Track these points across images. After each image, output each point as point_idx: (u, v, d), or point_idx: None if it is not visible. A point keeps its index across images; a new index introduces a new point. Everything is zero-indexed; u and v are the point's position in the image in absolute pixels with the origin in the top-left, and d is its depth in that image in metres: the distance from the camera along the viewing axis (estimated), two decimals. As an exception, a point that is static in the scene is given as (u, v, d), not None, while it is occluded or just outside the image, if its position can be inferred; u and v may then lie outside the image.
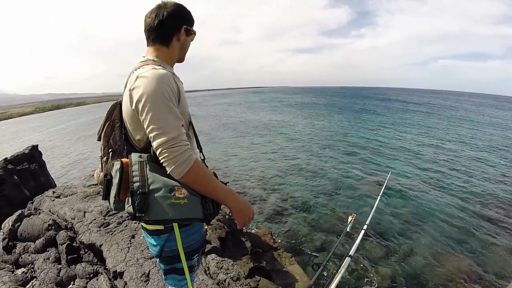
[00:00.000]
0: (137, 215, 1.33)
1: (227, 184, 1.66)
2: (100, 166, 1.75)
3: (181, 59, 1.79)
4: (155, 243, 1.64)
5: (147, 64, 1.54)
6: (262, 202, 12.05)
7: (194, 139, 1.82)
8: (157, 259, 1.75)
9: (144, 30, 1.67)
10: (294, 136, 26.68)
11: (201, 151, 1.83)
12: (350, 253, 3.03)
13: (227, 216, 6.98)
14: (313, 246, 8.45)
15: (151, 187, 1.37)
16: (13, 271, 4.78)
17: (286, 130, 30.70)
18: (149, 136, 1.41)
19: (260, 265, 5.59)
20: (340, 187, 13.29)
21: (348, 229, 3.74)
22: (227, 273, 4.04)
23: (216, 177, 1.65)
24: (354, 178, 14.50)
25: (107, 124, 1.70)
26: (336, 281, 2.61)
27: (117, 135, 1.67)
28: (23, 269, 4.86)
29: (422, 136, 25.71)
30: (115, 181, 1.45)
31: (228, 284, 3.86)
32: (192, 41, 1.78)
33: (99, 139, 1.73)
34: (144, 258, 4.03)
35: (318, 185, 13.70)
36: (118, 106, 1.70)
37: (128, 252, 4.24)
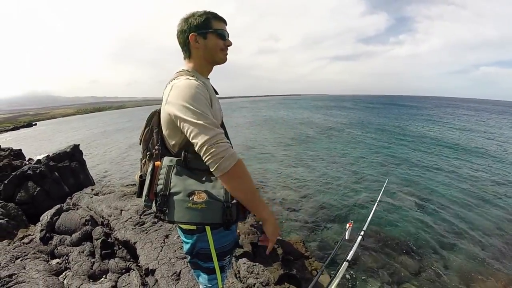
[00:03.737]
0: (157, 215, 1.46)
1: None
2: (140, 168, 1.82)
3: (216, 61, 1.76)
4: (187, 241, 1.72)
5: (181, 75, 1.61)
6: (296, 209, 11.94)
7: None
8: (188, 257, 1.79)
9: None
10: (331, 144, 26.40)
11: None
12: (347, 258, 3.03)
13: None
14: (343, 258, 8.30)
15: (171, 190, 1.46)
16: (48, 261, 4.89)
17: (321, 137, 30.48)
18: (190, 138, 1.44)
19: (290, 273, 5.53)
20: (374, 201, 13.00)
21: (346, 237, 3.70)
22: (257, 278, 4.02)
23: None
24: (391, 192, 14.20)
25: (146, 129, 1.78)
26: (334, 285, 2.63)
27: (155, 140, 1.75)
28: (58, 260, 4.98)
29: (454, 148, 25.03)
30: (147, 181, 1.55)
31: (257, 288, 3.85)
32: (219, 37, 1.69)
33: (140, 143, 1.81)
34: (177, 257, 4.06)
35: (354, 196, 13.45)
36: (157, 113, 1.78)
37: (161, 251, 4.29)
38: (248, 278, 4.02)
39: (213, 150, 1.37)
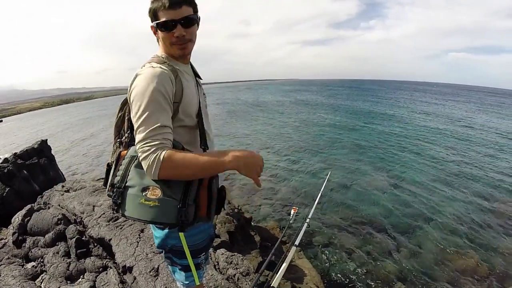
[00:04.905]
0: (112, 207, 1.41)
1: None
2: (111, 155, 1.72)
3: (176, 55, 1.61)
4: (157, 236, 1.69)
5: (149, 62, 1.51)
6: (270, 195, 12.09)
7: (199, 135, 1.68)
8: (163, 253, 1.76)
9: None
10: (299, 131, 26.77)
11: (204, 150, 1.66)
12: (295, 243, 3.22)
13: (236, 210, 6.98)
14: (320, 241, 8.45)
15: (127, 183, 1.40)
16: (23, 265, 4.80)
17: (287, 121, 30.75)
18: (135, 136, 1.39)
19: (269, 260, 5.58)
20: (350, 184, 13.20)
21: (291, 221, 3.99)
22: (237, 268, 4.03)
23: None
24: (365, 175, 14.44)
25: (119, 115, 1.69)
26: (283, 268, 2.77)
27: (125, 127, 1.66)
28: (33, 263, 4.88)
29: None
30: (111, 171, 1.51)
31: (238, 279, 3.86)
32: (163, 30, 1.52)
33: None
34: (153, 252, 4.03)
35: (322, 177, 13.53)
36: None
37: (137, 246, 4.24)
38: (227, 269, 4.03)
39: (140, 155, 1.32)
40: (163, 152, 1.29)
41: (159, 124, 1.34)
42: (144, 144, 1.31)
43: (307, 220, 3.66)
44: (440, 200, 11.12)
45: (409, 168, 15.02)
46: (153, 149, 1.29)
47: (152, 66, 1.45)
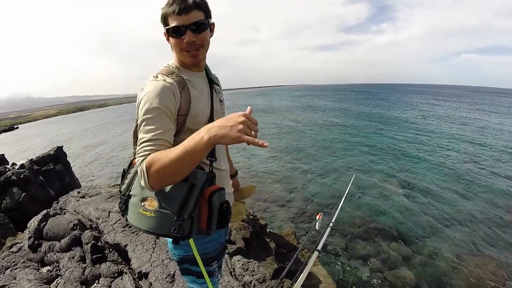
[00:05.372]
0: (120, 213, 1.51)
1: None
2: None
3: (186, 63, 1.59)
4: (170, 241, 1.72)
5: (157, 74, 1.50)
6: (284, 201, 12.05)
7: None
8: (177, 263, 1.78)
9: None
10: (312, 136, 26.69)
11: (211, 163, 1.56)
12: (318, 248, 3.16)
13: (251, 216, 6.95)
14: (336, 247, 8.38)
15: (130, 192, 1.45)
16: (38, 269, 4.82)
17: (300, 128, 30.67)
18: None
19: (285, 266, 5.53)
20: (366, 189, 13.12)
21: (316, 227, 3.89)
22: (253, 275, 3.99)
23: None
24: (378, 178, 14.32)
25: (137, 122, 1.66)
26: (304, 274, 2.74)
27: None
28: (48, 268, 4.90)
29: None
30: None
31: (254, 286, 3.82)
32: (174, 36, 1.49)
33: None
34: (169, 259, 4.02)
35: (341, 187, 13.49)
36: None
37: (153, 252, 4.23)
38: (244, 275, 4.00)
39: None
40: (144, 162, 1.25)
41: (150, 137, 1.32)
42: (137, 156, 1.31)
43: (330, 225, 3.62)
44: (457, 208, 10.94)
45: (426, 175, 14.84)
46: (140, 160, 1.28)
47: (156, 80, 1.44)
